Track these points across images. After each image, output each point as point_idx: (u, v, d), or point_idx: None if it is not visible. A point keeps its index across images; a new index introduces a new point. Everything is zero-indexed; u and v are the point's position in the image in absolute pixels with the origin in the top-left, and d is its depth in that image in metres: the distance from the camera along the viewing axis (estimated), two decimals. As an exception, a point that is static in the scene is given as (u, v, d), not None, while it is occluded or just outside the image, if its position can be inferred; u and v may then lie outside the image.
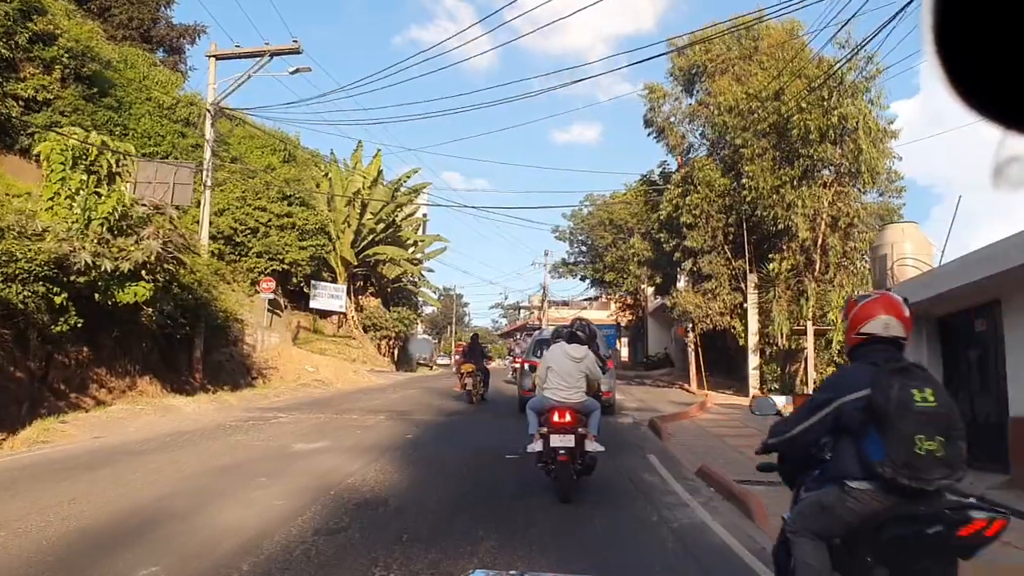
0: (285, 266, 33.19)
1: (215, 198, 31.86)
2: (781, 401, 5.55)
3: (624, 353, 50.71)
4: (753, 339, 21.04)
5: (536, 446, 7.32)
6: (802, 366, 20.49)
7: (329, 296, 37.60)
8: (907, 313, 3.24)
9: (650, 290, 42.24)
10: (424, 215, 51.37)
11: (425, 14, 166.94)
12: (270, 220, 33.10)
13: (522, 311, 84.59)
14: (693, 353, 23.55)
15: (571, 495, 7.07)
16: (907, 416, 2.88)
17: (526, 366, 15.72)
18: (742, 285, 22.11)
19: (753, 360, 20.94)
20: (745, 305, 21.23)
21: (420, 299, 45.55)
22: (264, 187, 33.58)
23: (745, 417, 14.87)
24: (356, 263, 38.24)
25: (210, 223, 31.50)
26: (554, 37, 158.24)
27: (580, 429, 7.13)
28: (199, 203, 22.51)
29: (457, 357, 22.05)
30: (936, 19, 0.79)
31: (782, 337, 20.48)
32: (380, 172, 39.04)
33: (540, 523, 6.30)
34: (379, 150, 39.53)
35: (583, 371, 7.35)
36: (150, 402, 15.82)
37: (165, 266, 15.33)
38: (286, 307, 36.77)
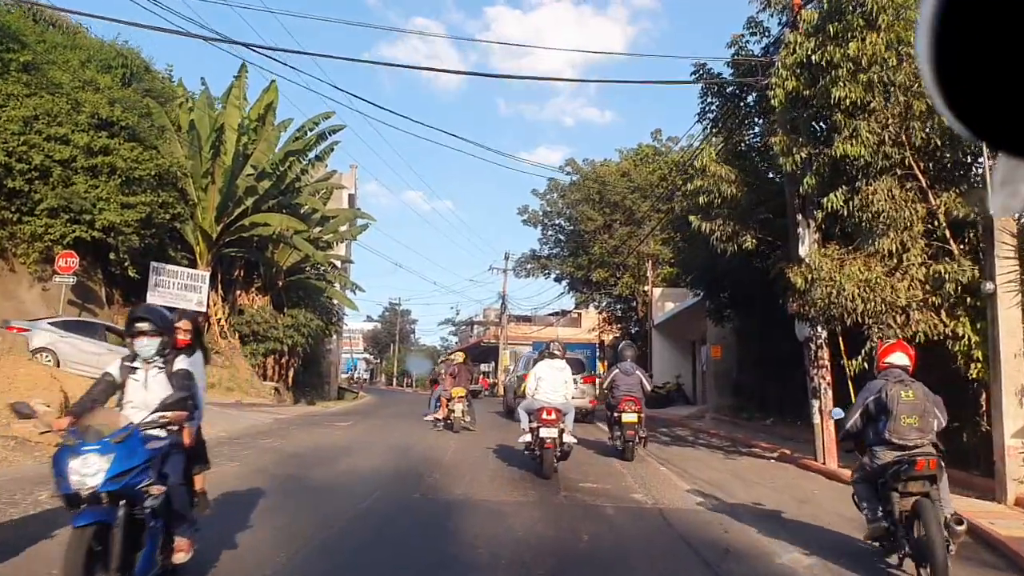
0: (97, 232, 20.27)
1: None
2: (840, 412, 6.64)
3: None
4: (1011, 366, 8.87)
5: (527, 437, 9.91)
6: None
7: (181, 287, 24.55)
8: (911, 351, 6.11)
9: (657, 292, 30.09)
10: (348, 190, 38.54)
11: (395, 32, 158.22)
12: (74, 158, 20.26)
13: (476, 327, 71.97)
14: (827, 388, 11.19)
15: (552, 473, 9.30)
16: (897, 406, 5.54)
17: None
18: (953, 246, 10.00)
19: (1015, 418, 8.80)
20: (991, 287, 9.03)
21: (335, 301, 32.58)
22: (71, 108, 20.64)
23: None
24: (222, 237, 25.30)
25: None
26: (523, 59, 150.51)
27: (561, 424, 9.57)
28: None
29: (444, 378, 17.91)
30: (933, 49, 0.77)
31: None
32: (271, 108, 26.27)
33: None
34: (273, 81, 26.65)
35: (565, 380, 10.09)
36: None
37: None
38: (113, 301, 23.81)
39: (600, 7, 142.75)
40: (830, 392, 11.03)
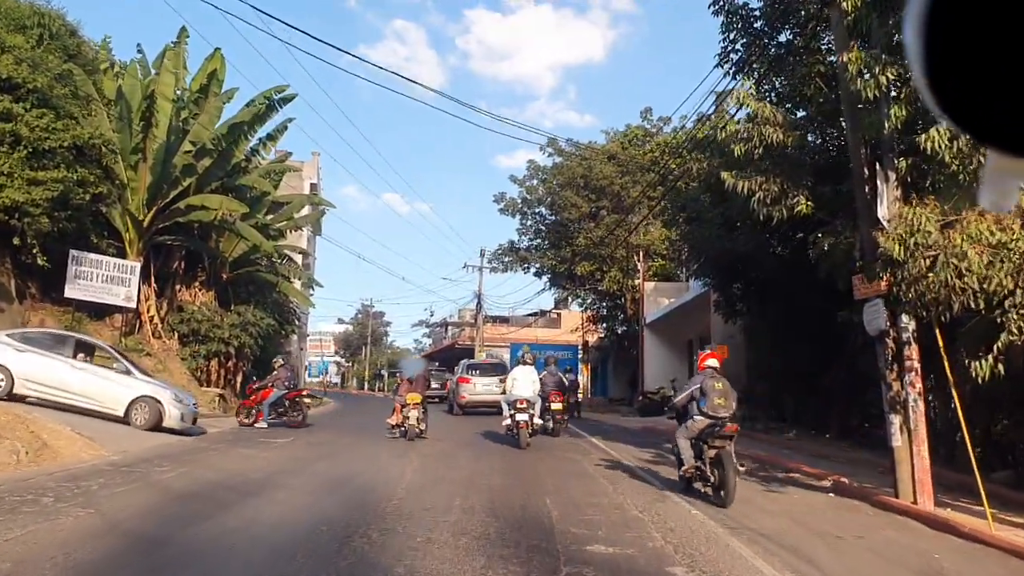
0: (-3, 215, 17.06)
1: None
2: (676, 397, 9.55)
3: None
4: None
5: (507, 421, 13.67)
6: None
7: (106, 279, 21.26)
8: (720, 356, 9.26)
9: (649, 287, 27.17)
10: (310, 179, 35.24)
11: (374, 34, 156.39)
12: (-33, 126, 17.01)
13: (450, 329, 68.77)
14: (918, 400, 8.23)
15: (526, 446, 13.06)
16: (711, 392, 8.53)
17: (460, 382, 24.43)
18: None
19: None
20: None
21: (289, 297, 29.25)
22: (-35, 69, 17.42)
23: None
24: (156, 223, 21.98)
25: None
26: (503, 63, 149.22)
27: (531, 411, 13.57)
28: None
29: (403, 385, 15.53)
30: (923, 47, 0.77)
31: None
32: (215, 78, 22.98)
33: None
34: (218, 49, 23.38)
35: (533, 379, 14.32)
36: None
37: None
38: (26, 296, 20.59)
39: (580, 10, 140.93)
40: (921, 405, 8.07)
